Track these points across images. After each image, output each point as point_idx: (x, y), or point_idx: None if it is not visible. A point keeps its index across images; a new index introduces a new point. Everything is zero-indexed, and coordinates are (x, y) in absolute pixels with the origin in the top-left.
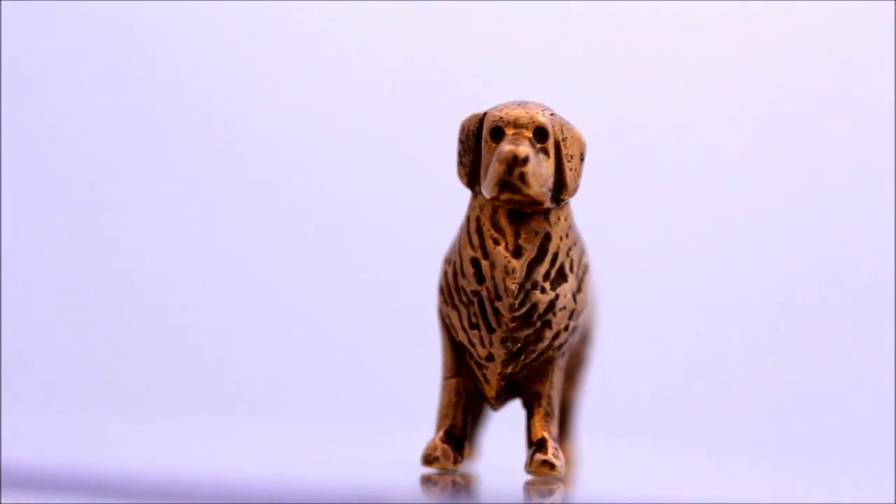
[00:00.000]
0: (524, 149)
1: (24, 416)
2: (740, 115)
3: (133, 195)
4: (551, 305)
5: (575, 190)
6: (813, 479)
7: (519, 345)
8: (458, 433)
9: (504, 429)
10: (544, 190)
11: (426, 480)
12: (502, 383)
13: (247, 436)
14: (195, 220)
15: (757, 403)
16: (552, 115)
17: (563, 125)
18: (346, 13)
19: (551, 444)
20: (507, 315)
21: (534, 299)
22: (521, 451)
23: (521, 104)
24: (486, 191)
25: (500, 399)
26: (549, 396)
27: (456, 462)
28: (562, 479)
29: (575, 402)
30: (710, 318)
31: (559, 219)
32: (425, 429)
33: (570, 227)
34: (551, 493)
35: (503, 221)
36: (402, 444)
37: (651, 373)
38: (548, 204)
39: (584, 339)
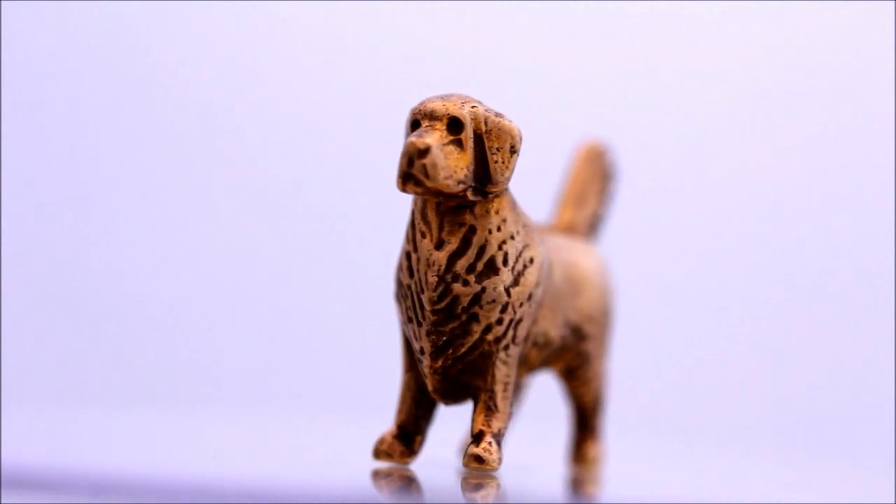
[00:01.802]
0: (425, 140)
1: (24, 416)
2: (742, 113)
3: (129, 196)
4: (476, 298)
5: (503, 182)
6: (815, 477)
7: (445, 338)
8: (410, 428)
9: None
10: (450, 182)
11: (376, 474)
12: (437, 377)
13: (218, 433)
14: (193, 220)
15: (763, 402)
16: (474, 107)
17: (488, 118)
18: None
19: (486, 439)
20: (428, 308)
21: (455, 292)
22: (539, 450)
23: (445, 97)
24: (396, 184)
25: (443, 394)
26: (492, 391)
27: (403, 456)
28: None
29: (595, 402)
30: (719, 319)
31: (488, 212)
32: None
33: (506, 220)
34: (480, 487)
35: (430, 215)
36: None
37: (657, 373)
38: (471, 196)
39: (583, 338)
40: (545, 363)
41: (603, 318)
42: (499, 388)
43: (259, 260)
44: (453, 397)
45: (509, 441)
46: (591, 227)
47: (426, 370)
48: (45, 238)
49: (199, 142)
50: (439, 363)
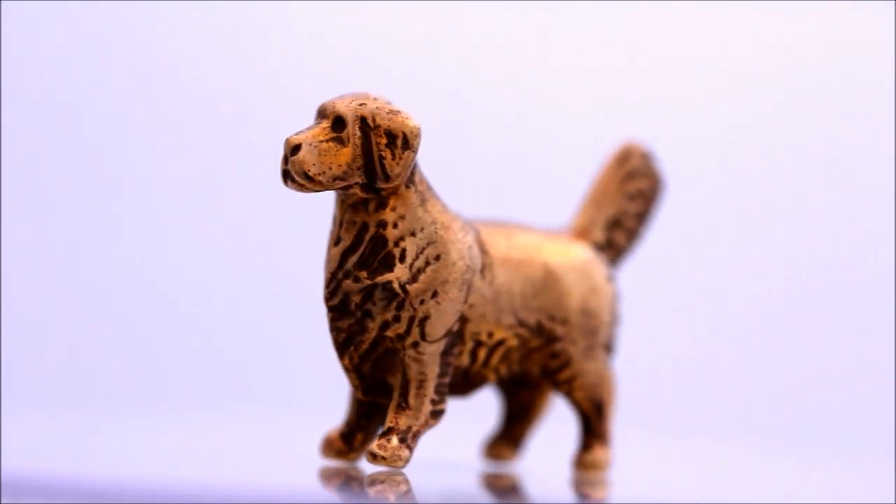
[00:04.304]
0: (298, 137)
1: (25, 417)
2: (744, 105)
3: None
4: (368, 295)
5: (394, 179)
6: (820, 475)
7: (344, 335)
8: (353, 426)
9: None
10: (323, 178)
11: (322, 473)
12: (352, 374)
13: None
14: (195, 221)
15: (768, 399)
16: (362, 104)
17: (377, 115)
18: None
19: (388, 436)
20: (325, 305)
21: (345, 289)
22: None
23: (342, 95)
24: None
25: (365, 391)
26: (403, 388)
27: (343, 454)
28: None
29: (592, 405)
30: (724, 316)
31: (383, 208)
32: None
33: (405, 217)
34: (377, 483)
35: (338, 212)
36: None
37: (661, 371)
38: (360, 193)
39: (554, 339)
40: (514, 364)
41: (581, 319)
42: (411, 385)
43: (207, 256)
44: (379, 394)
45: (529, 445)
46: (612, 228)
47: (342, 368)
48: (44, 240)
49: (206, 140)
50: (346, 360)
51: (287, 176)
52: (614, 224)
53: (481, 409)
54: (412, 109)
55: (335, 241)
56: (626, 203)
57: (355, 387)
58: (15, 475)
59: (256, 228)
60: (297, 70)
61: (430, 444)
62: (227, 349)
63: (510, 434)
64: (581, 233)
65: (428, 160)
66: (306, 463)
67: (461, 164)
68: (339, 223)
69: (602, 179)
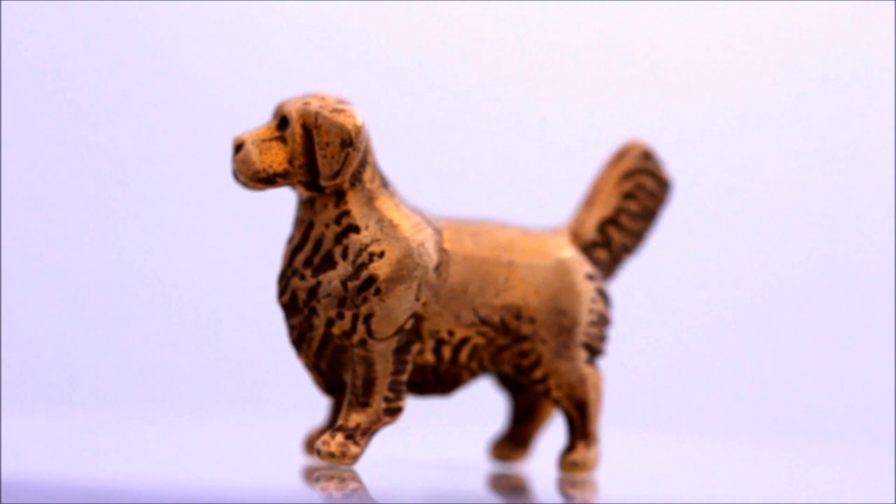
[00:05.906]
0: (241, 135)
1: (25, 417)
2: (744, 104)
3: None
4: (313, 292)
5: (331, 177)
6: (816, 472)
7: (296, 332)
8: (331, 425)
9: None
10: (264, 176)
11: (305, 471)
12: (313, 372)
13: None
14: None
15: (761, 396)
16: (306, 104)
17: (320, 114)
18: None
19: (335, 432)
20: (278, 302)
21: (293, 286)
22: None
23: (296, 94)
24: None
25: (328, 389)
26: (354, 385)
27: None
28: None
29: (572, 404)
30: (715, 312)
31: (326, 206)
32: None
33: (349, 213)
34: (322, 479)
35: (296, 211)
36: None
37: (652, 367)
38: (304, 191)
39: (521, 338)
40: (486, 362)
41: (552, 317)
42: (362, 382)
43: (205, 257)
44: (342, 392)
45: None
46: (608, 227)
47: (302, 366)
48: (44, 239)
49: (203, 142)
50: (303, 357)
51: (234, 173)
52: (610, 223)
53: (488, 411)
54: (354, 106)
55: (289, 238)
56: (623, 202)
57: (318, 384)
58: (15, 475)
59: (252, 230)
60: (297, 69)
61: (435, 444)
62: (218, 351)
63: (516, 435)
64: (574, 232)
65: (429, 160)
66: (289, 461)
67: (463, 163)
68: (294, 222)
69: (599, 179)
